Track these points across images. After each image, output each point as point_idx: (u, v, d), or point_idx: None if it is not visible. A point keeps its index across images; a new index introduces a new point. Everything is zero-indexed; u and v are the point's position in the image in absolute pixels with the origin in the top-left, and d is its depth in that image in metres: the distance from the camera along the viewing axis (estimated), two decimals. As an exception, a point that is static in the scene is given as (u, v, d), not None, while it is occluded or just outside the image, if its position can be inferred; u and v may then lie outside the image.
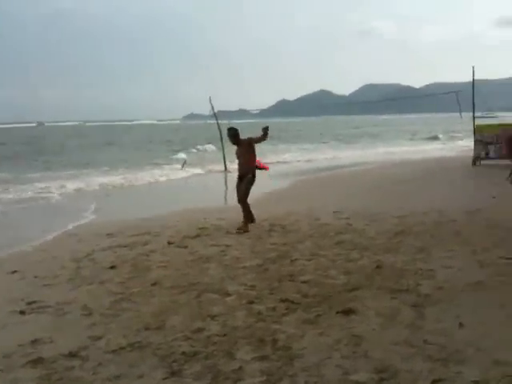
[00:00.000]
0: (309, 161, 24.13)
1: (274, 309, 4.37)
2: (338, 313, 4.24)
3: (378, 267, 5.51)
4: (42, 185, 15.58)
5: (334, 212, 9.07)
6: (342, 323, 4.05)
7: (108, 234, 8.02)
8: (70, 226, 9.09)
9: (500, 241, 6.49)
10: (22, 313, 4.59)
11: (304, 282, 5.09)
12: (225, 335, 3.86)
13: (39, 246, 7.58)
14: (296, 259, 5.96)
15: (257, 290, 4.88)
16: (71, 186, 15.36)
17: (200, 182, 17.65)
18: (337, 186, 13.91)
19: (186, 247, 6.79)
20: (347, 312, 4.25)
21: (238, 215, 9.48)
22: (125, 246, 6.99)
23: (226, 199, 13.10)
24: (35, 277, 5.74)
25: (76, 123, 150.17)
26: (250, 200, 8.17)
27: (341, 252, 6.22)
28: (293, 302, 4.50)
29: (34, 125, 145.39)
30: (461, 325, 3.92)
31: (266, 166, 10.47)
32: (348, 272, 5.38)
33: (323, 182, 15.04)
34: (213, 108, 20.77)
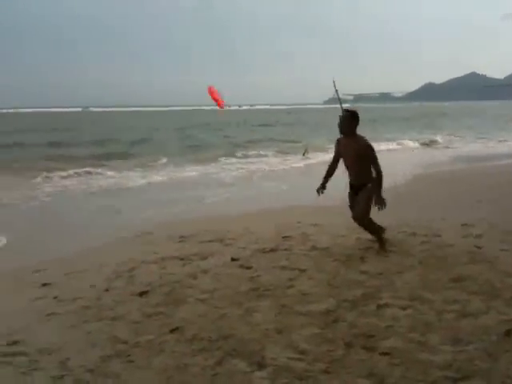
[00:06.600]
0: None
1: (319, 410, 2.72)
2: None
3: (508, 333, 3.54)
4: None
5: (462, 225, 6.90)
6: None
7: (180, 237, 6.87)
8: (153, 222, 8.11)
9: None
10: (-10, 360, 3.50)
11: (384, 353, 3.31)
12: None
13: (100, 247, 6.65)
14: (385, 304, 4.14)
15: (307, 362, 3.22)
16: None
17: (318, 172, 15.95)
18: (475, 183, 11.00)
19: (249, 268, 5.29)
20: None
21: (339, 218, 7.72)
22: (181, 259, 5.72)
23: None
24: (54, 298, 4.69)
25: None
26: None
27: (456, 297, 4.25)
28: (354, 399, 2.80)
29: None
30: None
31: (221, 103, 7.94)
32: (458, 340, 3.46)
33: (454, 179, 12.24)
34: (337, 91, 19.02)
